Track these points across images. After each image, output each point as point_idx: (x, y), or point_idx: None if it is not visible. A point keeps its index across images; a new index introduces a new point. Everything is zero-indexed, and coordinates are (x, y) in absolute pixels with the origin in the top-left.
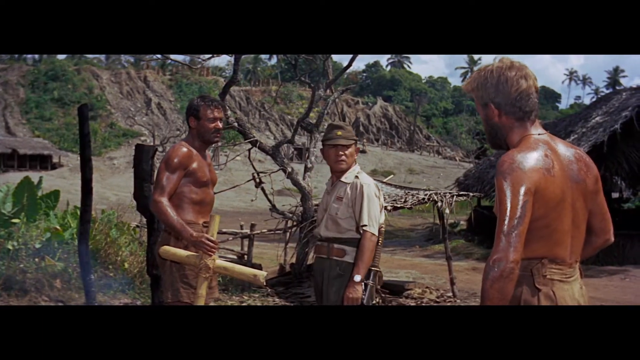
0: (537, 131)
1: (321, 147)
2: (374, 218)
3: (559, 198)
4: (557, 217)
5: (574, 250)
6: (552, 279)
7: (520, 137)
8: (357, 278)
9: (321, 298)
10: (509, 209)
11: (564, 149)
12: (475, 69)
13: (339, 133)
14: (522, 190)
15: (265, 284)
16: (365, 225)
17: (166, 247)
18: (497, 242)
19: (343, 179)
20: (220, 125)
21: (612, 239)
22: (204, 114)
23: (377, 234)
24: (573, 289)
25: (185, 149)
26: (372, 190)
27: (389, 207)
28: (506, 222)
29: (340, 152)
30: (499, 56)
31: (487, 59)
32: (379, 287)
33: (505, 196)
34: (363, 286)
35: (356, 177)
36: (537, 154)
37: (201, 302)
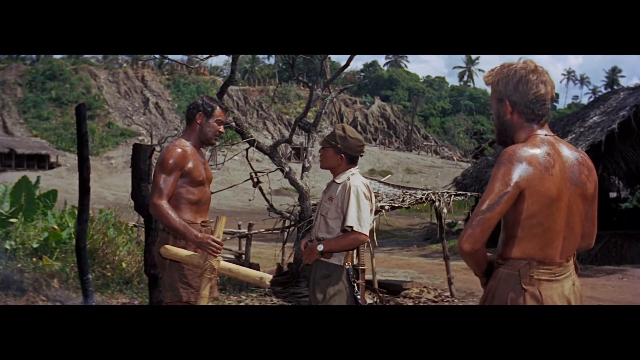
0: (543, 132)
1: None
2: (363, 219)
3: (554, 197)
4: (550, 215)
5: (565, 250)
6: (540, 279)
7: (527, 136)
8: (320, 248)
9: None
10: (490, 194)
11: (568, 151)
12: (474, 68)
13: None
14: (511, 182)
15: (270, 285)
16: (351, 227)
17: (168, 247)
18: (467, 223)
19: (336, 179)
20: (222, 130)
21: (593, 243)
22: (217, 113)
23: (366, 233)
24: (563, 286)
25: (179, 150)
26: (360, 191)
27: (386, 207)
28: (480, 206)
29: (319, 152)
30: (524, 56)
31: (485, 59)
32: (363, 283)
33: (493, 182)
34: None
35: (349, 178)
36: (539, 151)
37: (204, 303)
